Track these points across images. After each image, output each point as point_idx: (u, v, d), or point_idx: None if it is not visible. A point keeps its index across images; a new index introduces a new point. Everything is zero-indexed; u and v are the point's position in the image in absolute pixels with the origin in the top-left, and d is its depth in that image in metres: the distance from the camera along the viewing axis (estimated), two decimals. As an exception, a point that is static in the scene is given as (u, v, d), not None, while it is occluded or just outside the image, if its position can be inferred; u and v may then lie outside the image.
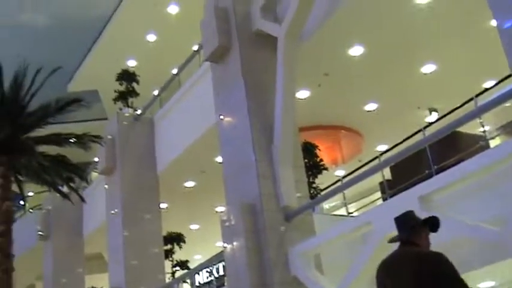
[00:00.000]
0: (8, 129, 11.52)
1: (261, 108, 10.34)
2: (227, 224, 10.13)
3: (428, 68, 13.40)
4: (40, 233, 19.46)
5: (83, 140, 13.24)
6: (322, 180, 13.43)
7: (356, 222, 9.18)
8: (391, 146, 12.88)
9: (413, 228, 4.19)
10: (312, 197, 11.82)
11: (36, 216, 20.57)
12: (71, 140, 13.04)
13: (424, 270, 3.81)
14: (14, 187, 12.75)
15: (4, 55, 12.46)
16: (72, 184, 14.83)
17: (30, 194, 21.92)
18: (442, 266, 3.83)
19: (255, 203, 9.79)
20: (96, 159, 17.21)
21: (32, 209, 22.83)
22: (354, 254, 9.22)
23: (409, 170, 10.62)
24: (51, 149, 13.09)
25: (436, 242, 4.34)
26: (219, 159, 12.02)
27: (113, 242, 15.12)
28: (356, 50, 12.40)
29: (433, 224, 4.24)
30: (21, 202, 23.53)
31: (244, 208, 9.80)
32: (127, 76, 17.42)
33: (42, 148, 12.79)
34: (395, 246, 4.23)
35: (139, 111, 16.22)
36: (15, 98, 12.25)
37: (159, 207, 15.50)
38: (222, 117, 11.08)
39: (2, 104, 12.15)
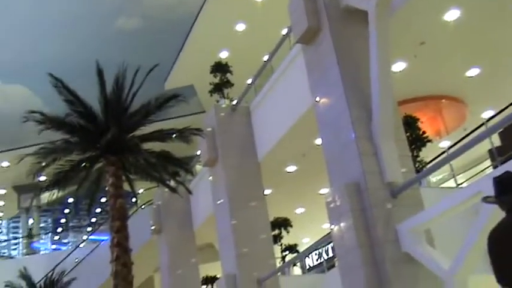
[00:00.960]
0: (114, 130, 12.01)
1: (357, 86, 10.18)
2: (332, 205, 10.09)
3: (532, 25, 12.69)
4: (153, 227, 20.21)
5: (185, 134, 13.57)
6: (426, 154, 13.08)
7: (466, 193, 8.84)
8: (498, 111, 12.31)
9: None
10: (418, 171, 11.53)
11: (148, 211, 21.38)
12: (173, 135, 13.41)
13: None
14: (126, 186, 13.30)
15: (104, 60, 12.95)
16: (178, 178, 15.26)
17: (141, 191, 22.84)
18: None
19: (359, 182, 9.67)
20: (198, 152, 17.63)
21: (143, 205, 23.76)
22: (466, 227, 8.92)
23: (519, 134, 10.13)
24: (155, 146, 13.52)
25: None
26: (319, 141, 11.97)
27: (222, 231, 15.45)
28: (452, 14, 11.92)
29: None
30: (133, 199, 24.62)
31: (349, 188, 9.71)
32: (220, 68, 17.66)
33: (147, 146, 13.24)
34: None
35: (235, 102, 16.43)
36: (118, 100, 12.75)
37: (264, 194, 15.66)
38: (318, 98, 11.01)
39: (107, 106, 12.68)
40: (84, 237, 31.86)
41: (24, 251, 34.60)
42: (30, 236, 34.26)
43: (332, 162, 10.63)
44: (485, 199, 4.08)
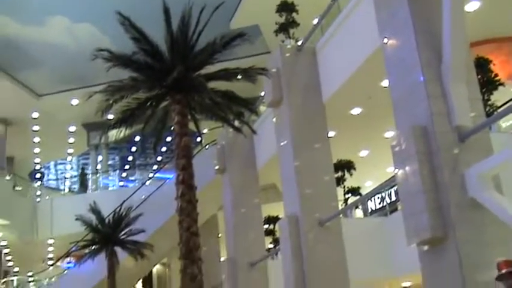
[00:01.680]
0: (180, 68, 12.06)
1: (427, 25, 9.82)
2: (397, 148, 9.94)
3: None
4: (217, 167, 20.53)
5: (250, 74, 13.52)
6: (498, 97, 12.65)
7: (539, 138, 8.55)
8: None
9: None
10: (488, 115, 11.19)
11: (212, 152, 21.70)
12: (238, 75, 13.39)
13: None
14: (191, 126, 13.46)
15: (170, -2, 12.92)
16: (242, 118, 15.33)
17: (205, 131, 23.16)
18: None
19: (426, 125, 9.46)
20: (262, 93, 17.61)
21: (207, 145, 24.11)
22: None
23: None
24: (220, 86, 13.54)
25: None
26: (385, 83, 11.71)
27: (285, 172, 15.53)
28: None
29: None
30: (198, 139, 25.03)
31: (415, 130, 9.51)
32: (286, 7, 17.36)
33: (212, 85, 13.28)
34: None
35: (300, 42, 16.21)
36: (183, 38, 12.75)
37: (327, 136, 15.58)
38: (386, 39, 10.71)
39: (173, 45, 12.72)
40: (150, 175, 32.72)
41: (94, 186, 35.98)
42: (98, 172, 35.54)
43: (399, 105, 10.41)
44: None
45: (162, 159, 38.08)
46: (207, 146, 24.05)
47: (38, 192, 33.29)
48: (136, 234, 20.44)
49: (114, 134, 31.35)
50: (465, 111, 9.45)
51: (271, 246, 23.89)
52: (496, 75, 12.83)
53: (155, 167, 37.11)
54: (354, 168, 19.05)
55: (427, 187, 9.22)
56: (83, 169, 38.34)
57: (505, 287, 6.74)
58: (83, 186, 35.10)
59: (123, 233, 20.61)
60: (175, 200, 11.57)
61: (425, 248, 9.57)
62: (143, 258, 20.52)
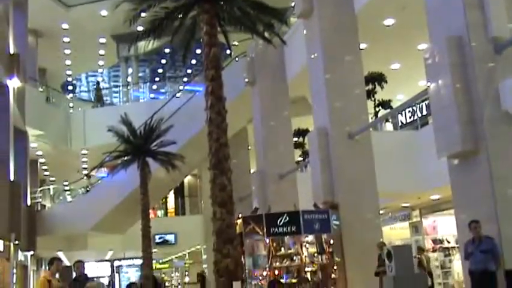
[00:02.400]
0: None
1: None
2: (431, 60, 9.72)
3: None
4: (246, 79, 20.42)
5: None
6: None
7: None
8: None
9: None
10: (527, 26, 10.79)
11: (242, 64, 21.52)
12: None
13: None
14: (220, 38, 13.26)
15: None
16: (272, 29, 15.04)
17: (235, 43, 22.86)
18: None
19: (462, 35, 9.19)
20: (292, 3, 17.19)
21: (237, 57, 23.89)
22: None
23: None
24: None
25: None
26: (421, -8, 11.31)
27: (315, 85, 15.40)
28: None
29: None
30: (228, 51, 24.76)
31: (450, 41, 9.26)
32: None
33: (241, -5, 12.95)
34: None
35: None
36: None
37: (359, 48, 15.28)
38: None
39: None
40: (181, 87, 32.77)
41: (125, 98, 36.26)
42: (129, 84, 35.71)
43: (433, 15, 10.10)
44: None
45: (192, 72, 38.03)
46: (236, 58, 23.83)
47: (71, 104, 33.73)
48: (167, 145, 20.68)
49: (143, 46, 31.38)
50: (503, 21, 9.14)
51: (300, 159, 24.09)
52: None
53: (185, 79, 37.14)
54: (386, 81, 18.77)
55: (460, 100, 9.08)
56: (97, 83, 38.46)
57: None
58: (100, 100, 35.23)
59: (154, 144, 20.87)
60: (204, 111, 11.58)
61: (456, 161, 9.54)
62: (174, 169, 20.87)
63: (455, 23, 9.37)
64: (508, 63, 9.02)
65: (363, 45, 15.99)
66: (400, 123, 19.88)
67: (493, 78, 8.99)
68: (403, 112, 19.20)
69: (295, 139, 23.18)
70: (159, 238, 29.40)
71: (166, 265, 37.45)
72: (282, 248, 13.96)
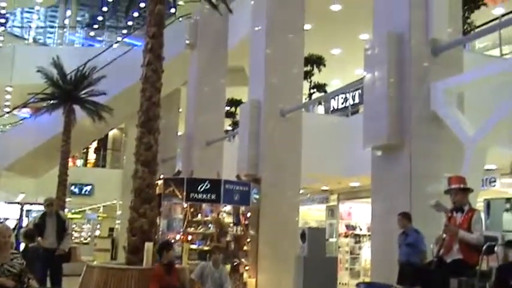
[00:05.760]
0: None
1: None
2: (370, 51, 9.91)
3: None
4: (187, 41, 20.13)
5: None
6: (477, 17, 12.56)
7: (508, 64, 8.60)
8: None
9: None
10: (465, 33, 11.14)
11: (185, 26, 21.19)
12: None
13: None
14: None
15: None
16: (220, -5, 14.88)
17: (181, 3, 22.51)
18: None
19: (403, 32, 9.40)
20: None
21: (181, 17, 23.50)
22: (500, 98, 8.79)
23: None
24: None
25: None
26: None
27: (255, 57, 15.39)
28: None
29: None
30: (172, 10, 24.34)
31: (391, 36, 9.46)
32: None
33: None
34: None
35: None
36: None
37: (303, 28, 15.35)
38: None
39: None
40: (119, 38, 31.99)
41: (59, 41, 35.10)
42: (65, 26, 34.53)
43: (380, 8, 10.28)
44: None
45: (132, 25, 37.17)
46: (180, 19, 23.45)
47: (1, 38, 32.36)
48: (97, 95, 20.22)
49: (85, -10, 30.39)
50: (443, 25, 9.39)
51: (229, 128, 24.12)
52: (480, -6, 12.67)
53: (125, 31, 36.28)
54: (324, 65, 18.99)
55: (392, 94, 9.31)
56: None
57: (451, 200, 7.06)
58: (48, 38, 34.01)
59: (83, 92, 20.36)
60: (141, 67, 11.37)
61: (379, 153, 9.80)
62: (101, 120, 20.48)
63: (399, 19, 9.57)
64: (443, 66, 9.31)
65: (307, 26, 16.08)
66: (332, 108, 20.19)
67: (426, 78, 9.26)
68: (336, 97, 19.50)
69: (227, 108, 23.16)
70: (75, 187, 28.81)
71: (79, 215, 36.92)
72: (199, 215, 14.02)
